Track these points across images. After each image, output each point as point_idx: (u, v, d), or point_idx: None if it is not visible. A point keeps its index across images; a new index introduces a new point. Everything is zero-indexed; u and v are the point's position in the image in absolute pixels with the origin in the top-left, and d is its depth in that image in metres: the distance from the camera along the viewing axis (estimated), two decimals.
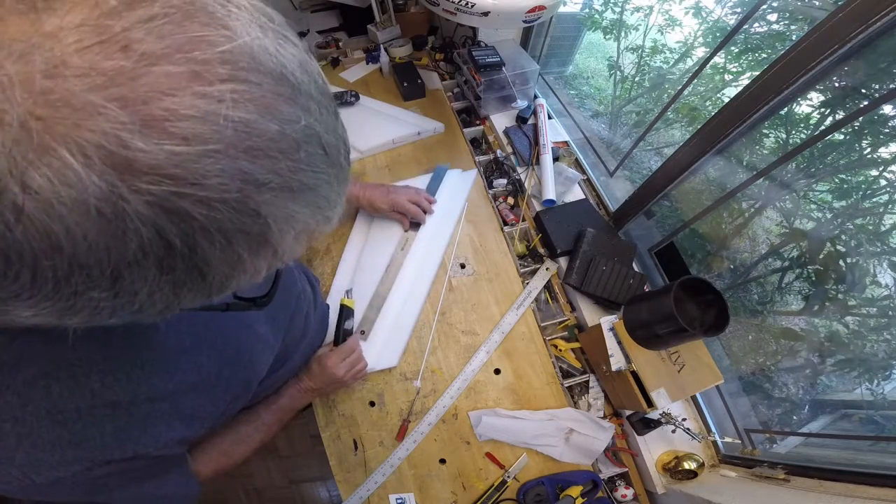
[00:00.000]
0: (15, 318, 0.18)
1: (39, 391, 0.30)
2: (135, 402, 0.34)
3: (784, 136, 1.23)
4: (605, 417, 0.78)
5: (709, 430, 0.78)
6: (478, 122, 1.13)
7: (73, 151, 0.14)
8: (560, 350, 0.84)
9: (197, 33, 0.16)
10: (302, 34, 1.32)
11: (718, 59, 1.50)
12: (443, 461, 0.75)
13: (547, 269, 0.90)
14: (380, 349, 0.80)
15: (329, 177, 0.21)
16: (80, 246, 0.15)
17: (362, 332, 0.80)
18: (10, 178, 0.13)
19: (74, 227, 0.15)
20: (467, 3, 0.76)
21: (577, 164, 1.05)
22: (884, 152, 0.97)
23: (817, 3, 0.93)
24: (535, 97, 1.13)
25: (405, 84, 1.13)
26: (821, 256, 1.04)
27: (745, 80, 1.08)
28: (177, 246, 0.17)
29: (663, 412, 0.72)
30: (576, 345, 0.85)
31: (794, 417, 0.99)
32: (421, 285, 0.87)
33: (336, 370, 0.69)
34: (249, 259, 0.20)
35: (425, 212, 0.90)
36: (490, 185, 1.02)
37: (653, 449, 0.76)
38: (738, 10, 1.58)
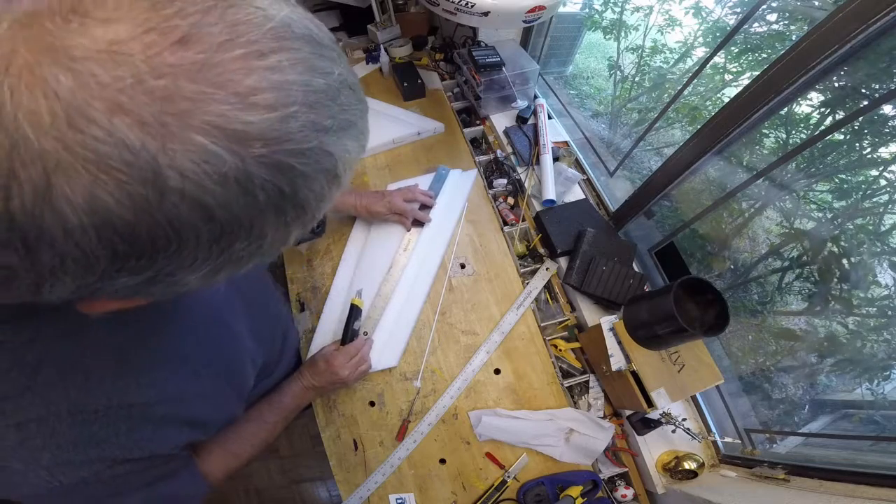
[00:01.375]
0: (181, 287, 0.22)
1: (59, 392, 0.31)
2: (148, 404, 0.36)
3: (784, 136, 1.23)
4: (605, 417, 0.78)
5: (709, 430, 0.78)
6: (478, 122, 1.13)
7: (205, 134, 0.17)
8: (560, 350, 0.84)
9: (242, 18, 0.19)
10: None
11: (718, 59, 1.50)
12: (443, 461, 0.75)
13: (547, 269, 0.90)
14: (380, 349, 0.80)
15: (360, 111, 0.25)
16: (226, 210, 0.19)
17: (365, 333, 0.80)
18: (169, 169, 0.17)
19: (221, 196, 0.18)
20: (467, 3, 0.76)
21: (577, 164, 1.05)
22: (884, 152, 0.97)
23: (817, 3, 0.93)
24: (535, 97, 1.13)
25: (405, 84, 1.13)
26: (821, 256, 1.04)
27: (745, 80, 1.08)
28: (286, 192, 0.21)
29: (663, 412, 0.72)
30: (576, 345, 0.85)
31: (795, 417, 0.99)
32: (421, 285, 0.86)
33: (341, 370, 0.70)
34: (328, 190, 0.24)
35: (426, 206, 0.90)
36: (490, 185, 1.02)
37: (653, 449, 0.76)
38: (738, 10, 1.58)
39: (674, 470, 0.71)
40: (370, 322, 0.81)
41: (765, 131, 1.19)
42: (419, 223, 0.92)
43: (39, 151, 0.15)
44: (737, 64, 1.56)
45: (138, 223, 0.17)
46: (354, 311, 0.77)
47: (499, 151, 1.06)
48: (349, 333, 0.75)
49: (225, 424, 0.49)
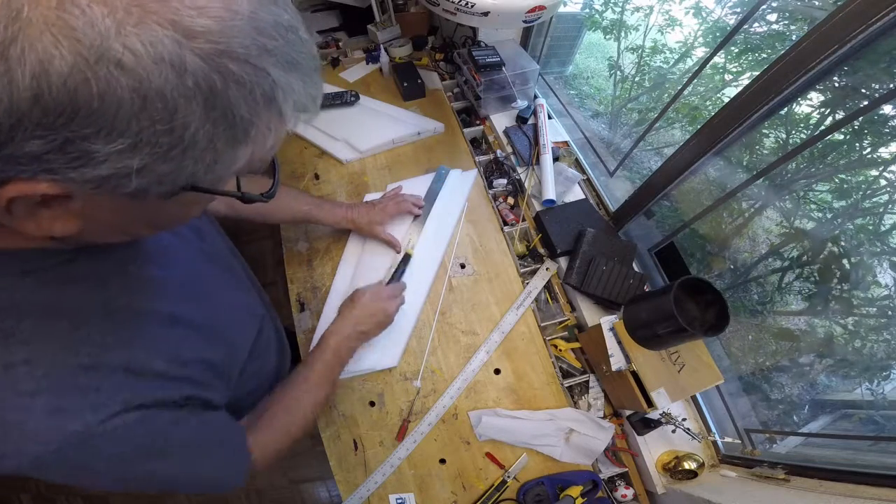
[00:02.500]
0: (94, 164, 0.22)
1: (46, 340, 0.31)
2: (142, 358, 0.35)
3: (784, 136, 1.23)
4: (605, 417, 0.78)
5: (709, 430, 0.78)
6: (478, 122, 1.13)
7: (159, 24, 0.21)
8: (560, 350, 0.84)
9: None
10: None
11: (718, 59, 1.50)
12: (443, 461, 0.75)
13: (547, 269, 0.90)
14: (380, 349, 0.80)
15: (309, 60, 0.27)
16: (154, 83, 0.21)
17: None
18: (117, 42, 0.20)
19: (152, 71, 0.21)
20: (467, 3, 0.76)
21: (577, 164, 1.05)
22: (884, 152, 0.97)
23: (817, 3, 0.93)
24: (535, 97, 1.13)
25: (405, 84, 1.13)
26: (821, 256, 1.04)
27: (745, 80, 1.08)
28: (217, 87, 0.23)
29: (663, 412, 0.72)
30: (576, 345, 0.85)
31: (794, 417, 0.98)
32: (421, 285, 0.86)
33: (390, 303, 0.72)
34: (264, 111, 0.26)
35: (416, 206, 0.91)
36: (490, 185, 1.02)
37: (653, 449, 0.76)
38: (738, 10, 1.58)
39: (674, 470, 0.71)
40: None
41: (765, 131, 1.19)
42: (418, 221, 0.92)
43: (27, 18, 0.19)
44: (737, 64, 1.56)
45: (70, 77, 0.20)
46: (407, 258, 0.84)
47: (499, 151, 1.06)
48: (397, 276, 0.82)
49: (225, 397, 0.46)
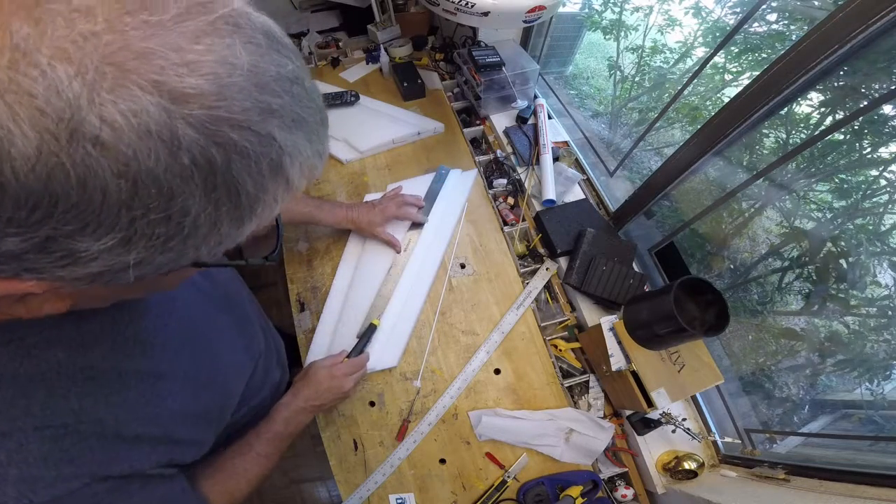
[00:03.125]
0: (83, 262, 0.19)
1: (21, 409, 0.30)
2: (119, 422, 0.35)
3: (784, 136, 1.23)
4: (605, 417, 0.78)
5: (709, 430, 0.78)
6: (478, 122, 1.13)
7: (140, 87, 0.17)
8: (560, 350, 0.84)
9: (204, 0, 0.20)
10: (302, 34, 1.32)
11: (718, 59, 1.50)
12: (443, 461, 0.75)
13: (547, 269, 0.90)
14: (380, 349, 0.80)
15: (315, 113, 0.24)
16: (143, 164, 0.18)
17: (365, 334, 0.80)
18: (91, 113, 0.16)
19: (140, 149, 0.17)
20: (467, 3, 0.76)
21: (577, 164, 1.05)
22: (884, 152, 0.97)
23: (817, 3, 0.93)
24: (535, 97, 1.13)
25: (405, 84, 1.13)
26: (821, 256, 1.04)
27: (745, 80, 1.08)
28: (217, 162, 0.20)
29: (663, 412, 0.72)
30: (576, 345, 0.85)
31: (795, 417, 0.98)
32: (421, 285, 0.86)
33: (346, 382, 0.69)
34: (270, 182, 0.23)
35: (417, 207, 0.91)
36: (490, 185, 1.02)
37: (653, 449, 0.76)
38: (738, 10, 1.58)
39: (674, 470, 0.71)
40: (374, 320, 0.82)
41: (765, 131, 1.19)
42: (417, 226, 0.92)
43: None
44: (737, 64, 1.56)
45: (40, 162, 0.16)
46: (371, 330, 0.79)
47: (499, 151, 1.06)
48: (360, 349, 0.76)
49: (208, 444, 0.46)
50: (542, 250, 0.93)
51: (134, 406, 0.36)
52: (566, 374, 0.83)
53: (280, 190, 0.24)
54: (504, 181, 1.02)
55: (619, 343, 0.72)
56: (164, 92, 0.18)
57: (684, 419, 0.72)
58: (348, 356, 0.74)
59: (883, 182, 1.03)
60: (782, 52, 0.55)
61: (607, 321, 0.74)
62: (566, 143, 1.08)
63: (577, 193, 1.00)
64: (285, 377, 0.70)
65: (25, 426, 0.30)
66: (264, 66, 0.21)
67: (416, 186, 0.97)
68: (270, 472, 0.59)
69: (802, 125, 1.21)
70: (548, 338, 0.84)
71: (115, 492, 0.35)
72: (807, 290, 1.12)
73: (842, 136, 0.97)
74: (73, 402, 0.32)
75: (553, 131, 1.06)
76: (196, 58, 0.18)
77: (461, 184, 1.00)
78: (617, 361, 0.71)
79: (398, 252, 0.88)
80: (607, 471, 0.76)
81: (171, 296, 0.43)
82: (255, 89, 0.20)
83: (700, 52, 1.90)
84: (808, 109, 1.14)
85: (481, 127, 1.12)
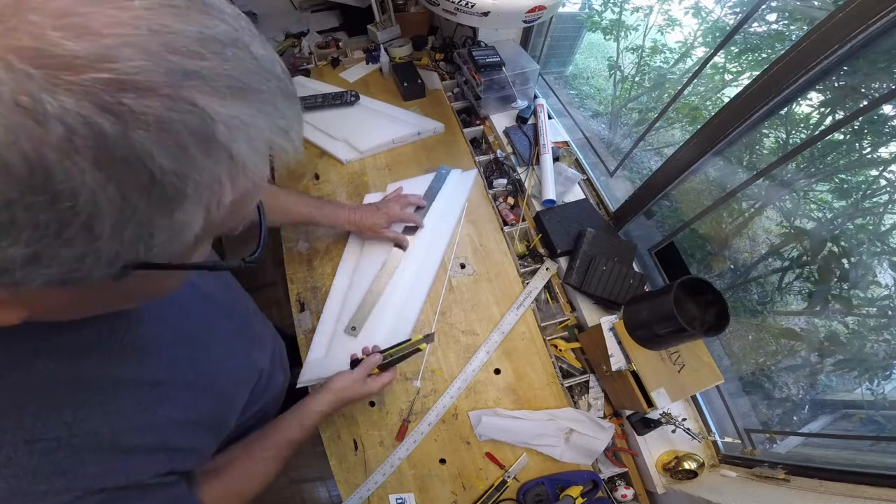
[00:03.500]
0: None
1: (11, 421, 0.29)
2: (116, 433, 0.34)
3: (784, 136, 1.23)
4: (605, 417, 0.78)
5: (709, 430, 0.78)
6: (478, 122, 1.13)
7: (11, 51, 0.15)
8: (560, 350, 0.84)
9: None
10: (302, 34, 1.32)
11: (718, 58, 1.50)
12: (443, 461, 0.75)
13: (547, 269, 0.90)
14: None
15: (267, 82, 0.22)
16: (3, 139, 0.15)
17: (353, 328, 0.80)
18: None
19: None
20: (467, 3, 0.76)
21: (577, 164, 1.05)
22: (884, 152, 0.98)
23: (817, 3, 0.93)
24: (535, 97, 1.13)
25: (405, 84, 1.13)
26: (821, 256, 1.04)
27: (745, 80, 1.08)
28: (107, 131, 0.17)
29: (663, 412, 0.72)
30: (576, 345, 0.85)
31: (795, 417, 0.99)
32: (421, 285, 0.86)
33: (373, 387, 0.67)
34: (202, 158, 0.19)
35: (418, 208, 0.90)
36: (490, 185, 1.02)
37: (653, 449, 0.76)
38: (738, 10, 1.58)
39: (674, 470, 0.71)
40: (370, 322, 0.81)
41: (765, 131, 1.19)
42: (412, 229, 0.91)
43: None
44: (737, 64, 1.56)
45: None
46: (414, 352, 0.70)
47: (499, 151, 1.06)
48: (394, 362, 0.69)
49: (214, 447, 0.46)
50: (542, 250, 0.93)
51: (130, 415, 0.35)
52: (566, 374, 0.83)
53: (223, 168, 0.21)
54: (504, 181, 1.02)
55: (619, 343, 0.72)
56: (32, 58, 0.15)
57: (684, 419, 0.72)
58: (382, 367, 0.68)
59: (883, 182, 1.03)
60: (782, 52, 0.55)
61: (607, 321, 0.74)
62: (566, 143, 1.08)
63: (577, 193, 1.00)
64: (286, 379, 0.70)
65: (16, 439, 0.29)
66: (179, 27, 0.18)
67: (416, 186, 0.97)
68: (275, 476, 0.59)
69: (802, 125, 1.21)
70: (548, 338, 0.84)
71: (110, 503, 0.34)
72: (808, 291, 1.13)
73: (842, 136, 0.97)
74: (67, 415, 0.31)
75: (553, 131, 1.06)
76: (80, 20, 0.16)
77: (461, 184, 1.00)
78: (617, 361, 0.71)
79: (404, 249, 0.88)
80: (607, 471, 0.76)
81: (171, 300, 0.41)
82: (164, 50, 0.18)
83: (700, 52, 1.90)
84: (808, 109, 1.14)
85: (481, 127, 1.12)
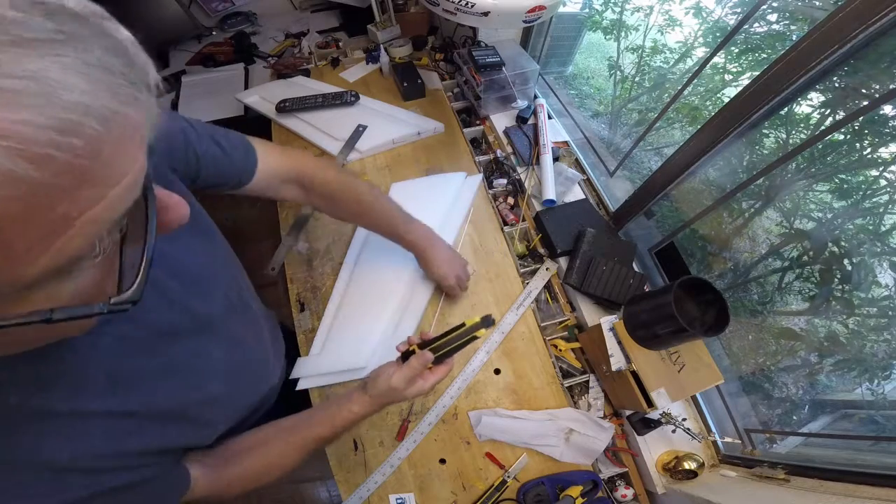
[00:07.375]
0: None
1: None
2: (75, 458, 0.33)
3: (784, 136, 1.23)
4: (605, 417, 0.78)
5: (709, 430, 0.78)
6: (478, 122, 1.13)
7: None
8: (560, 350, 0.84)
9: None
10: (302, 34, 1.32)
11: (718, 59, 1.50)
12: (443, 461, 0.75)
13: (547, 269, 0.90)
14: (379, 349, 0.80)
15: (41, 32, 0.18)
16: None
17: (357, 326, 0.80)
18: None
19: None
20: (467, 3, 0.76)
21: (577, 164, 1.05)
22: (884, 152, 0.97)
23: (817, 3, 0.93)
24: (535, 97, 1.13)
25: (405, 84, 1.13)
26: (821, 256, 1.04)
27: (745, 80, 1.08)
28: None
29: (663, 412, 0.72)
30: (576, 345, 0.85)
31: (794, 417, 0.98)
32: (422, 286, 0.86)
33: (423, 387, 0.58)
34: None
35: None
36: (490, 185, 1.02)
37: (653, 449, 0.76)
38: (739, 10, 1.58)
39: (674, 470, 0.71)
40: (368, 320, 0.81)
41: (765, 131, 1.19)
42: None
43: None
44: (737, 64, 1.56)
45: None
46: (470, 340, 0.57)
47: (499, 151, 1.06)
48: (449, 355, 0.58)
49: (177, 464, 0.44)
50: (542, 250, 0.93)
51: (94, 445, 0.34)
52: (566, 374, 0.83)
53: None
54: (504, 181, 1.02)
55: (619, 343, 0.72)
56: None
57: (684, 419, 0.72)
58: (436, 361, 0.58)
59: (883, 182, 1.03)
60: (782, 52, 0.55)
61: (607, 321, 0.74)
62: (566, 143, 1.08)
63: (577, 193, 1.00)
64: (283, 375, 0.70)
65: None
66: None
67: (416, 187, 0.97)
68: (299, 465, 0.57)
69: (802, 125, 1.21)
70: (548, 338, 0.84)
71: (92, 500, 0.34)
72: (809, 291, 1.12)
73: (842, 137, 0.97)
74: (26, 441, 0.31)
75: (553, 131, 1.06)
76: None
77: (466, 189, 0.99)
78: (617, 361, 0.71)
79: (457, 296, 0.84)
80: (607, 471, 0.76)
81: (157, 330, 0.40)
82: None
83: (700, 53, 1.90)
84: (808, 109, 1.14)
85: (481, 127, 1.12)
